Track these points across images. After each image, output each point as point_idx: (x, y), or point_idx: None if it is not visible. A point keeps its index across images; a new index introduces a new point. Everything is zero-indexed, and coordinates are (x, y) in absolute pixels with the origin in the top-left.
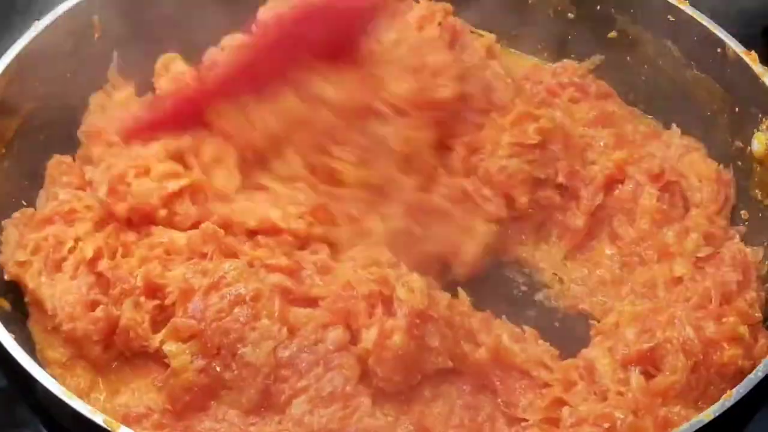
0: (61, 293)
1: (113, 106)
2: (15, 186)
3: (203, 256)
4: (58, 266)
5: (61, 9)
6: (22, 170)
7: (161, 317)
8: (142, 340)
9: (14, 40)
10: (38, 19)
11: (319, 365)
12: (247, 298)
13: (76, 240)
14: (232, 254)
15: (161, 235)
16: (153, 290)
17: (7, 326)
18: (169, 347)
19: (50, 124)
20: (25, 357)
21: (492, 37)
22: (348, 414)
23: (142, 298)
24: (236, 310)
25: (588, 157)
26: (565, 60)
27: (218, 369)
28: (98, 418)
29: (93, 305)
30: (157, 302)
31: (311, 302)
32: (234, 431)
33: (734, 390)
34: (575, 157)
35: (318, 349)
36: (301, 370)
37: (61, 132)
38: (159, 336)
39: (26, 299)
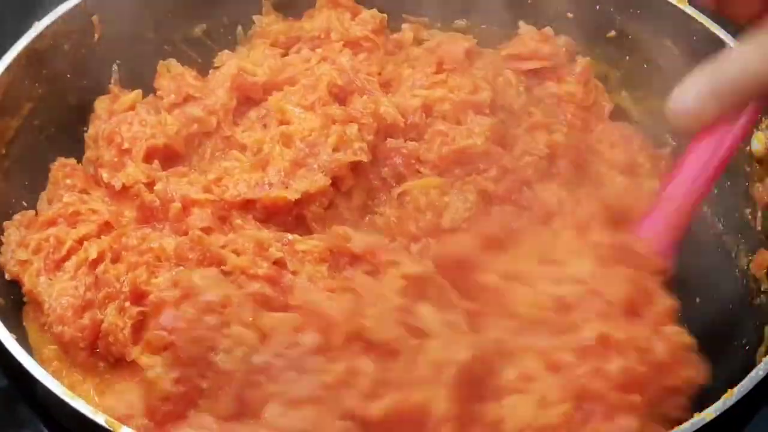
0: (58, 293)
1: (120, 110)
2: (16, 186)
3: (190, 262)
4: (57, 266)
5: (61, 9)
6: (22, 171)
7: (144, 324)
8: (121, 347)
9: (14, 40)
10: (38, 19)
11: (292, 369)
12: (216, 306)
13: (78, 241)
14: (217, 262)
15: (153, 240)
16: (138, 297)
17: (7, 326)
18: (145, 360)
19: (50, 125)
20: (26, 357)
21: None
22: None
23: (127, 304)
24: (206, 318)
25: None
26: None
27: (194, 379)
28: (100, 419)
29: (85, 309)
30: (141, 309)
31: (289, 309)
32: None
33: (735, 389)
34: (580, 180)
35: (291, 354)
36: (275, 375)
37: (61, 132)
38: (138, 348)
39: (24, 299)
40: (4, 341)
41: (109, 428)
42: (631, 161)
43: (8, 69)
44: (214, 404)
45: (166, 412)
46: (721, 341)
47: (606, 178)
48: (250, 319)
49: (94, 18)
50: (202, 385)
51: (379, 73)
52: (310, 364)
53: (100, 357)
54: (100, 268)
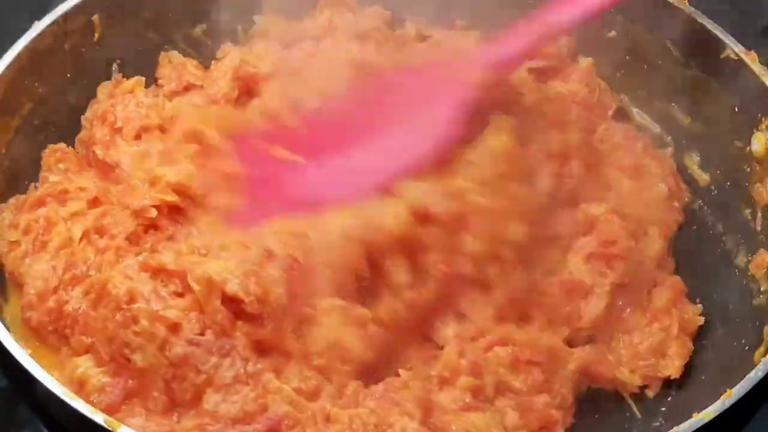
0: (35, 274)
1: (119, 94)
2: (15, 185)
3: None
4: (44, 246)
5: (61, 9)
6: (22, 170)
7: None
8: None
9: (14, 40)
10: (38, 19)
11: (212, 354)
12: (123, 301)
13: (68, 219)
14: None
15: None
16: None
17: (7, 326)
18: (73, 361)
19: (51, 124)
20: (26, 357)
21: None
22: (261, 394)
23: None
24: (117, 316)
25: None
26: None
27: (121, 374)
28: (99, 418)
29: (54, 292)
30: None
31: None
32: (159, 429)
33: (734, 389)
34: (591, 183)
35: (205, 340)
36: (197, 363)
37: (61, 132)
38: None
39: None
40: (4, 341)
41: (108, 428)
42: (637, 163)
43: (8, 68)
44: (144, 402)
45: (105, 406)
46: (720, 341)
47: (614, 181)
48: (158, 310)
49: (95, 17)
50: (129, 383)
51: None
52: (226, 345)
53: (67, 342)
54: (68, 250)
